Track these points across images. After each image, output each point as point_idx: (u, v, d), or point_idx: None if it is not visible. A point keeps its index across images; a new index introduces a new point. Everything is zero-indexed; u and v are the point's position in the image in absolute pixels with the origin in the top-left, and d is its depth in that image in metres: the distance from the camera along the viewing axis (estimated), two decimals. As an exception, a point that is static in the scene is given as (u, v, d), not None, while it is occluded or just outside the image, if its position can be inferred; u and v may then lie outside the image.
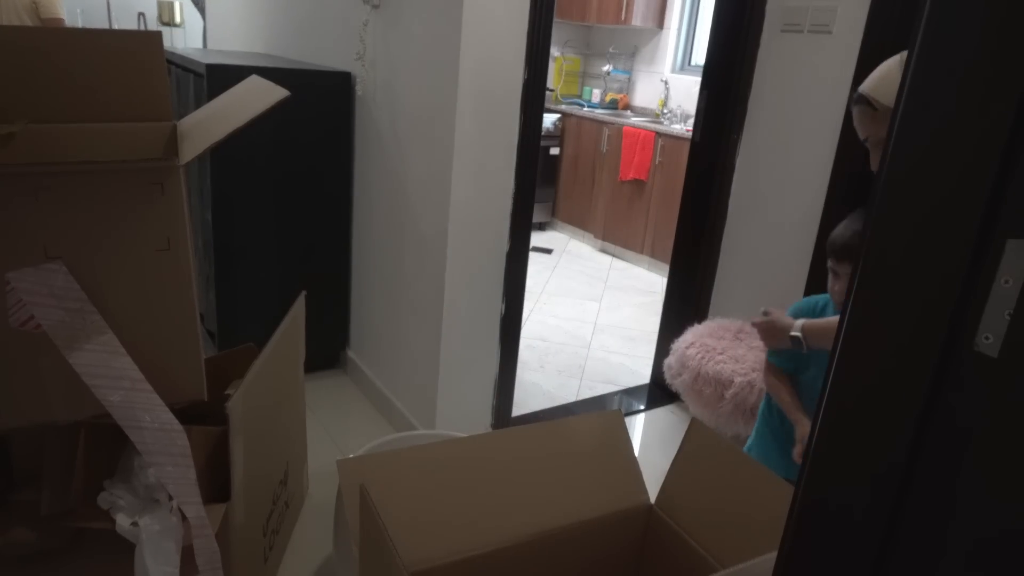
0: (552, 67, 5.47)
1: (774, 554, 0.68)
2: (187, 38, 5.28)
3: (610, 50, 5.47)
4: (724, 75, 2.54)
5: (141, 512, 1.37)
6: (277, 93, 1.45)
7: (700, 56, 4.99)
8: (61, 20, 3.97)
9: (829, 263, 1.51)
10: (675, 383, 2.30)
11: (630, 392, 2.88)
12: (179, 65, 2.58)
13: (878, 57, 2.11)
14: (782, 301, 2.43)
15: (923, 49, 0.52)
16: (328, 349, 2.80)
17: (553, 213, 5.48)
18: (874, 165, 1.29)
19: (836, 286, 1.50)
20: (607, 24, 5.27)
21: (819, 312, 1.61)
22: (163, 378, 1.32)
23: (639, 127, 4.66)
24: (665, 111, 5.07)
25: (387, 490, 1.15)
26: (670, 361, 2.33)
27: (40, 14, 3.89)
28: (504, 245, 2.16)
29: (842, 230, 1.49)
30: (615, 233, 4.89)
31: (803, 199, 2.36)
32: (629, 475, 1.43)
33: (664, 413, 2.75)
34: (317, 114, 2.48)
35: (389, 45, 2.26)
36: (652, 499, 1.44)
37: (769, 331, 1.54)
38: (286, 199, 2.51)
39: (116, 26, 4.47)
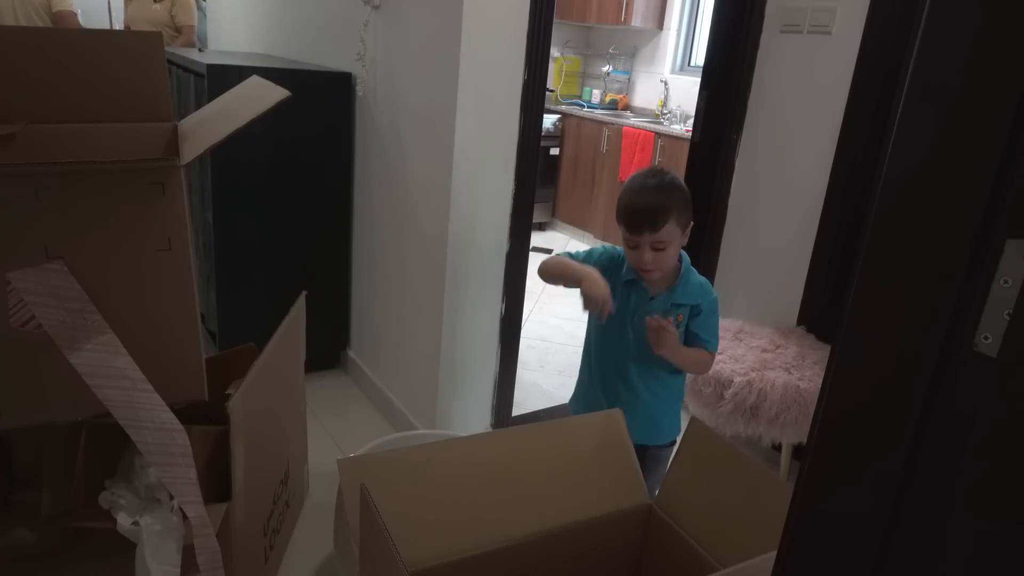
0: (552, 67, 5.47)
1: (774, 554, 0.68)
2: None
3: (610, 50, 5.47)
4: (724, 75, 2.54)
5: (142, 511, 1.37)
6: (277, 93, 1.45)
7: (700, 56, 4.99)
8: (73, 13, 4.02)
9: (625, 235, 1.51)
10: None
11: (630, 392, 2.87)
12: (179, 65, 2.58)
13: (877, 58, 2.12)
14: (782, 300, 2.44)
15: (923, 49, 0.52)
16: (328, 349, 2.80)
17: (553, 213, 5.48)
18: None
19: (641, 256, 1.50)
20: (607, 24, 5.27)
21: (618, 264, 1.61)
22: (164, 378, 1.32)
23: (639, 127, 4.67)
24: (665, 111, 5.07)
25: (387, 490, 1.15)
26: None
27: (52, 7, 3.95)
28: (504, 245, 2.16)
29: (630, 204, 1.51)
30: (615, 233, 4.87)
31: (802, 199, 2.36)
32: (629, 475, 1.43)
33: (664, 413, 2.74)
34: (317, 114, 2.48)
35: (389, 45, 2.26)
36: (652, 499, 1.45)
37: (661, 337, 1.52)
38: (287, 199, 2.51)
39: (116, 26, 4.48)
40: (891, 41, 2.09)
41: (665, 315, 1.57)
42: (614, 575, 1.45)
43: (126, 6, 4.26)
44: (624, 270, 1.60)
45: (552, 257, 1.64)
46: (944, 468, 0.54)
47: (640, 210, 1.48)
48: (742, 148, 2.56)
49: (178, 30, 4.13)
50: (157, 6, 4.11)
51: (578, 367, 1.75)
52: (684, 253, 1.60)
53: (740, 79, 2.50)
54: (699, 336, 1.61)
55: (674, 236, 1.51)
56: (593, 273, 1.51)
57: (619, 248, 1.64)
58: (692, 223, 1.55)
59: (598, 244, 5.64)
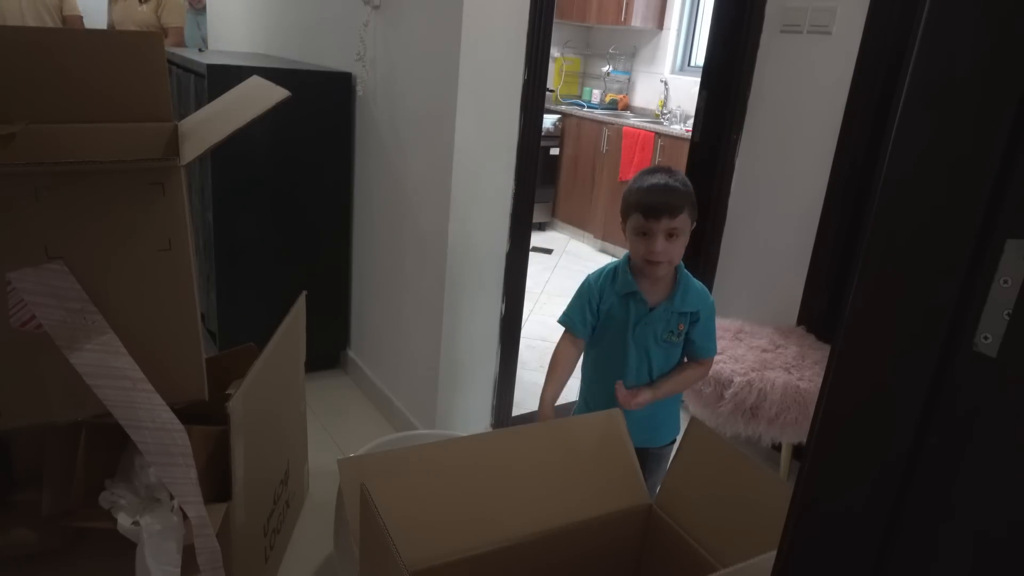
0: (552, 67, 5.47)
1: (774, 554, 0.68)
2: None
3: (610, 51, 5.47)
4: (724, 75, 2.54)
5: (142, 511, 1.37)
6: (278, 93, 1.45)
7: (700, 56, 4.99)
8: (80, 17, 4.06)
9: (638, 223, 1.51)
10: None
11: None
12: (180, 65, 2.58)
13: (877, 58, 2.12)
14: (782, 300, 2.44)
15: (923, 49, 0.52)
16: (328, 349, 2.80)
17: (553, 213, 5.48)
18: None
19: (654, 244, 1.50)
20: (607, 24, 5.27)
21: (612, 279, 1.60)
22: (164, 378, 1.32)
23: (639, 127, 4.67)
24: (665, 111, 5.07)
25: (387, 490, 1.15)
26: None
27: (64, 11, 4.00)
28: (504, 245, 2.16)
29: (647, 192, 1.50)
30: (615, 233, 4.89)
31: (802, 199, 2.36)
32: (629, 475, 1.43)
33: (664, 413, 2.74)
34: (317, 114, 2.48)
35: (389, 46, 2.26)
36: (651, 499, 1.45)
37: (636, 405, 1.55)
38: (287, 199, 2.51)
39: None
40: (891, 41, 2.09)
41: (666, 325, 1.58)
42: (614, 575, 1.45)
43: (111, 7, 4.23)
44: (618, 284, 1.59)
45: (555, 362, 1.65)
46: (944, 468, 0.54)
47: (660, 195, 1.49)
48: (742, 148, 2.56)
49: (165, 32, 4.12)
50: (143, 7, 4.09)
51: (578, 366, 1.75)
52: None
53: (740, 79, 2.50)
54: (697, 343, 1.61)
55: (686, 227, 1.52)
56: (545, 415, 1.62)
57: (603, 268, 1.64)
58: (695, 224, 1.56)
59: (597, 244, 5.56)
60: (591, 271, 1.66)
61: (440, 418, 2.22)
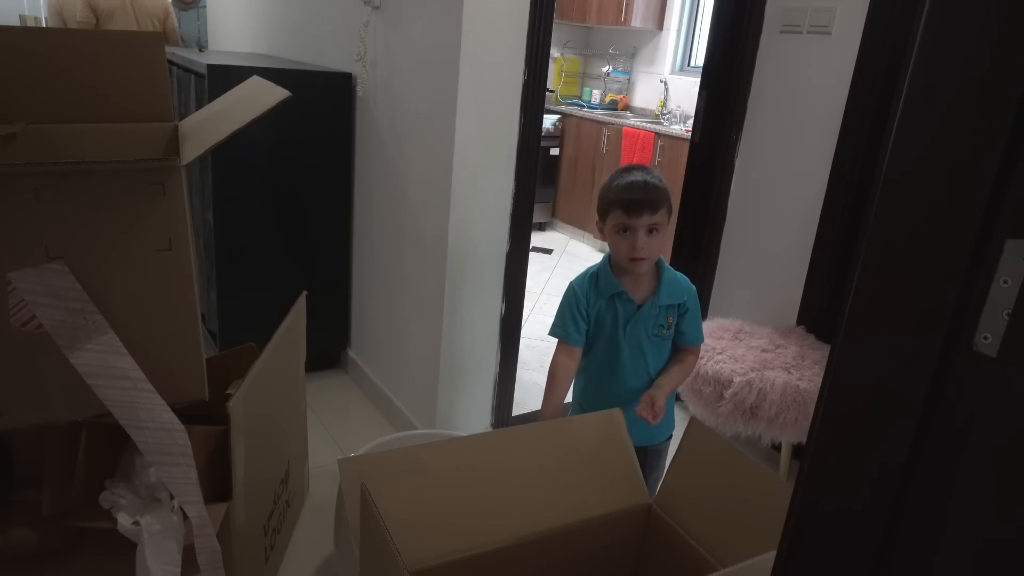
0: (552, 68, 5.47)
1: (773, 554, 0.69)
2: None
3: (610, 51, 5.47)
4: (724, 76, 2.54)
5: (142, 511, 1.37)
6: (278, 94, 1.45)
7: (700, 57, 4.99)
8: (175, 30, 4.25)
9: (619, 220, 1.51)
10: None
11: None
12: (180, 65, 2.58)
13: (877, 58, 2.13)
14: (782, 300, 2.44)
15: (923, 49, 0.52)
16: (329, 349, 2.80)
17: (553, 213, 5.48)
18: None
19: (636, 240, 1.50)
20: (607, 25, 5.27)
21: (596, 282, 1.60)
22: (164, 378, 1.32)
23: (639, 128, 4.67)
24: (665, 112, 5.07)
25: (387, 489, 1.15)
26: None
27: (167, 23, 4.16)
28: (504, 245, 2.16)
29: (626, 188, 1.51)
30: (615, 233, 4.89)
31: (802, 199, 2.36)
32: (629, 475, 1.43)
33: (664, 413, 2.74)
34: (318, 115, 2.48)
35: (390, 46, 2.26)
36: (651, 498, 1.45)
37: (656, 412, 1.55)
38: (287, 199, 2.51)
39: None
40: (891, 41, 2.09)
41: (656, 320, 1.59)
42: (614, 575, 1.45)
43: None
44: (603, 286, 1.60)
45: (553, 376, 1.63)
46: (943, 468, 0.54)
47: (640, 191, 1.50)
48: (742, 148, 2.56)
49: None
50: None
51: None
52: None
53: (740, 79, 2.50)
54: (687, 333, 1.63)
55: (665, 222, 1.54)
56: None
57: (585, 273, 1.64)
58: (671, 220, 1.58)
59: (597, 244, 5.56)
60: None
61: (440, 418, 2.22)
